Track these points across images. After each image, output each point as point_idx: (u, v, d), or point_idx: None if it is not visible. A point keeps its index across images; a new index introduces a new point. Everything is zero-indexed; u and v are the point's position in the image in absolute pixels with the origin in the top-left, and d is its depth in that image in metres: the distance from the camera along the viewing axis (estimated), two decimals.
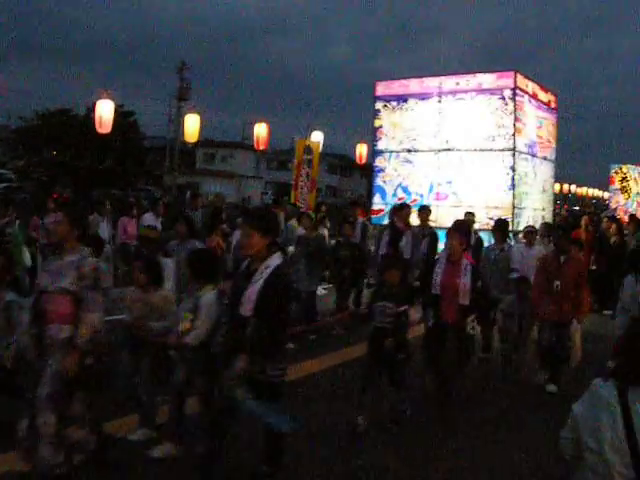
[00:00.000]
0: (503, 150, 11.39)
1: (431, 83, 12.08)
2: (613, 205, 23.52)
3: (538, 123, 12.48)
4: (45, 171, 39.01)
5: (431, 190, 12.00)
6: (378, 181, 12.61)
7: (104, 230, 10.90)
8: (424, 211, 10.42)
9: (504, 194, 11.38)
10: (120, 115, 36.92)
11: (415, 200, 12.00)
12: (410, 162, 12.23)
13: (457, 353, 5.65)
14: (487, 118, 11.52)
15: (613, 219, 14.92)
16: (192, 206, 12.78)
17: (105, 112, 13.79)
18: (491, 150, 11.48)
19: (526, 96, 11.87)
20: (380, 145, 12.57)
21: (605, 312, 11.43)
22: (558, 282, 6.41)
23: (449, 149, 11.85)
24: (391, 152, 12.43)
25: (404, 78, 12.41)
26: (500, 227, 8.18)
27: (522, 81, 11.68)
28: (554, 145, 13.40)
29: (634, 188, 23.18)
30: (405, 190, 12.27)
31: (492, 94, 11.51)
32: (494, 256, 7.81)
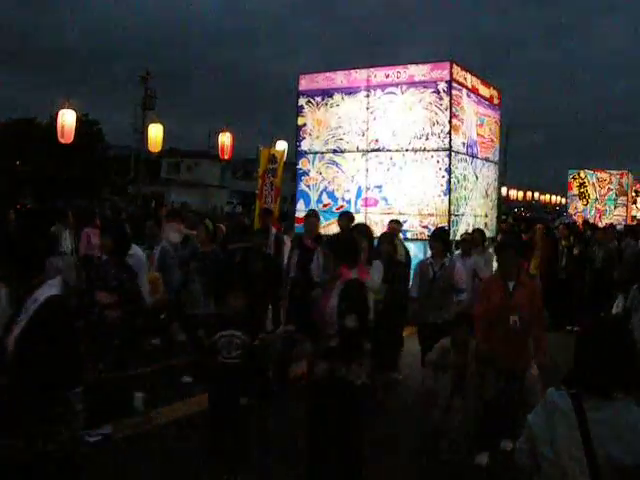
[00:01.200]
0: (438, 150, 9.72)
1: (359, 76, 10.36)
2: (571, 211, 22.11)
3: (479, 121, 10.81)
4: (7, 181, 37.07)
5: (359, 195, 10.28)
6: (301, 185, 10.84)
7: (67, 241, 10.09)
8: (344, 218, 8.72)
9: (439, 199, 9.69)
10: (84, 124, 35.17)
11: (342, 206, 10.29)
12: (336, 164, 10.49)
13: (335, 418, 3.89)
14: (420, 114, 9.85)
15: (568, 226, 13.63)
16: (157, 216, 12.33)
17: (67, 122, 13.25)
18: (425, 150, 9.80)
19: (464, 90, 10.20)
20: (303, 145, 10.81)
21: (568, 328, 9.97)
22: (515, 318, 4.59)
23: (378, 149, 10.15)
24: (315, 153, 10.68)
25: (330, 70, 10.67)
26: (440, 237, 6.43)
27: (459, 73, 10.02)
28: (497, 145, 11.73)
29: (592, 194, 21.78)
30: (331, 195, 10.53)
31: (425, 87, 9.84)
32: (433, 273, 6.08)
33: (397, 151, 9.99)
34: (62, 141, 13.42)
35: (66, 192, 34.16)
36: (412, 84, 9.93)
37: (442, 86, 9.71)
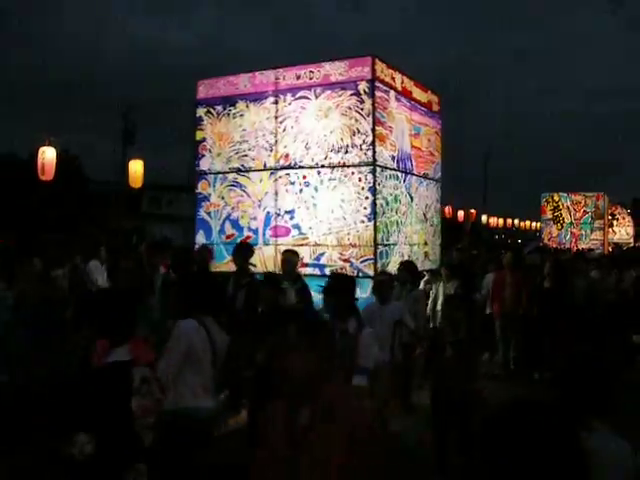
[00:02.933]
0: (360, 165, 7.49)
1: (265, 78, 8.18)
2: (545, 237, 19.87)
3: (414, 130, 8.60)
4: None
5: (268, 223, 8.00)
6: (201, 213, 8.57)
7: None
8: (240, 252, 6.69)
9: (363, 226, 7.42)
10: (64, 160, 33.36)
11: (248, 237, 8.04)
12: (240, 186, 8.24)
13: None
14: (338, 122, 7.66)
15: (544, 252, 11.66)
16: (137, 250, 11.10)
17: (47, 159, 12.84)
18: (344, 165, 7.57)
19: (392, 92, 8.02)
20: (202, 165, 8.58)
21: (537, 376, 7.97)
22: None
23: (289, 166, 7.92)
24: (216, 174, 8.45)
25: (232, 74, 8.48)
26: (336, 290, 4.28)
27: (384, 71, 7.85)
28: (439, 160, 9.49)
29: (567, 218, 19.58)
30: (235, 224, 8.26)
31: (343, 89, 7.66)
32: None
33: (311, 168, 7.77)
34: (42, 178, 13.07)
35: (47, 227, 32.18)
36: (327, 85, 7.75)
37: (363, 87, 7.53)
